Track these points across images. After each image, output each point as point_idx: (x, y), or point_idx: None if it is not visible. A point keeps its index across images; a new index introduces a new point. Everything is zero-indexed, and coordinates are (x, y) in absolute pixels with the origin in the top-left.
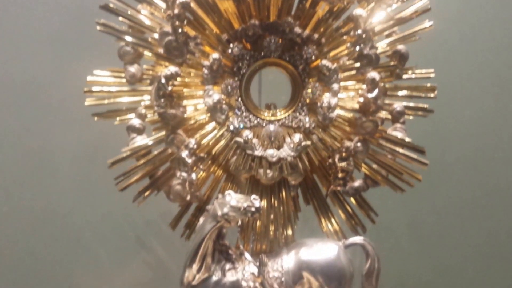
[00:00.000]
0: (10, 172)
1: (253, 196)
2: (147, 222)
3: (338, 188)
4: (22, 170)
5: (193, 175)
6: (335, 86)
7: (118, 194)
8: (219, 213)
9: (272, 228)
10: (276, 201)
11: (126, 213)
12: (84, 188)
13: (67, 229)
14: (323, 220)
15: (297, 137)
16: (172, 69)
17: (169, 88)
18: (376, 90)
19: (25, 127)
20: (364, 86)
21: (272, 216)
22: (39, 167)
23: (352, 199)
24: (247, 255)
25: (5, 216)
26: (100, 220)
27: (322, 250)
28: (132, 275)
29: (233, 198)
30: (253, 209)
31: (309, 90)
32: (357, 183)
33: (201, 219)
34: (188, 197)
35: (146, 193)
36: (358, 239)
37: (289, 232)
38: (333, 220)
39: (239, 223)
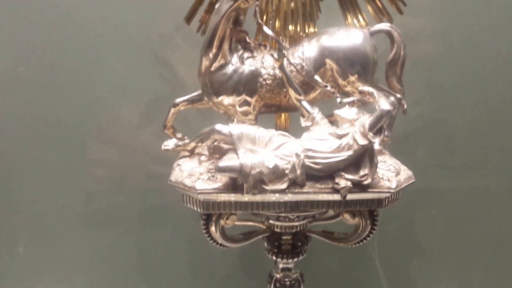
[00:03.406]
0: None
1: None
2: (162, 35)
3: None
4: None
5: None
6: None
7: (131, 5)
8: None
9: (291, 21)
10: None
11: (139, 25)
12: None
13: (80, 42)
14: (348, 15)
15: None
16: None
17: None
18: None
19: None
20: None
21: (292, 5)
22: None
23: None
24: (266, 28)
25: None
26: (113, 32)
27: (346, 36)
28: (149, 88)
29: None
30: None
31: None
32: None
33: (217, 5)
34: None
35: None
36: (384, 25)
37: (311, 28)
38: (359, 16)
39: None
